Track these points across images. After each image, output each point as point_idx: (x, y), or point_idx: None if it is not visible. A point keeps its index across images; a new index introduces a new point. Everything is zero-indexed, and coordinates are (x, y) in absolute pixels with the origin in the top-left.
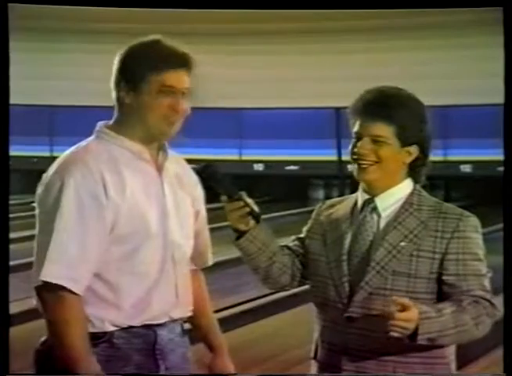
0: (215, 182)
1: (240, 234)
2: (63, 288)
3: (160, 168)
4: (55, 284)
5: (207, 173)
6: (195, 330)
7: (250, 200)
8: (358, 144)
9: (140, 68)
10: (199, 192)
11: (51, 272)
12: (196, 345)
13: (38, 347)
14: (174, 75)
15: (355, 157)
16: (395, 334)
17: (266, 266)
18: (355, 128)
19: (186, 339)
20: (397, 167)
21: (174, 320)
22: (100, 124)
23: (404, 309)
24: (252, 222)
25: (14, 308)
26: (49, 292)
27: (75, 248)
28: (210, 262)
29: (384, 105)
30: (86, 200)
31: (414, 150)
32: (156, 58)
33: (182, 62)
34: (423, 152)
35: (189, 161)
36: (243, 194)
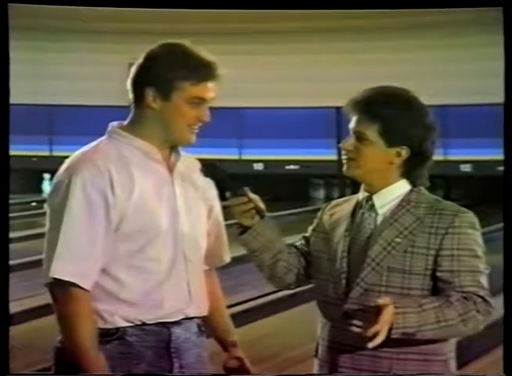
0: (217, 179)
1: (245, 229)
2: (72, 284)
3: (171, 169)
4: (63, 280)
5: (208, 172)
6: (209, 329)
7: (253, 196)
8: (345, 139)
9: (174, 77)
10: (212, 192)
11: (59, 269)
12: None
13: (57, 344)
14: (207, 87)
15: (341, 152)
16: (375, 344)
17: (271, 264)
18: (349, 125)
19: (203, 339)
20: (382, 166)
21: (189, 318)
22: (113, 124)
23: (380, 309)
24: (256, 218)
25: (14, 307)
26: (58, 288)
27: (82, 244)
28: (227, 260)
29: (371, 103)
30: (93, 196)
31: (404, 152)
32: (191, 69)
33: (214, 74)
34: (417, 154)
35: None
36: (247, 190)
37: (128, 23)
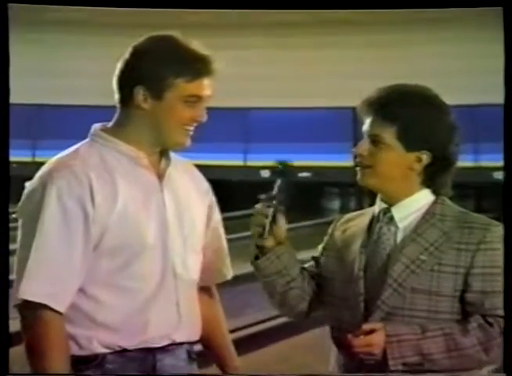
0: None
1: (261, 253)
2: (44, 306)
3: (161, 175)
4: (34, 302)
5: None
6: (208, 351)
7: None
8: (359, 144)
9: (166, 74)
10: (210, 200)
11: (30, 290)
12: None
13: None
14: (203, 84)
15: (355, 158)
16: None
17: (283, 292)
18: (363, 127)
19: (194, 367)
20: (401, 173)
21: (177, 344)
22: (96, 126)
23: (371, 332)
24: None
25: (14, 325)
26: (29, 311)
27: (57, 262)
28: (229, 277)
29: (388, 103)
30: (70, 209)
31: (425, 157)
32: (184, 64)
33: (208, 68)
34: (439, 159)
35: None
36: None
37: (123, 17)
